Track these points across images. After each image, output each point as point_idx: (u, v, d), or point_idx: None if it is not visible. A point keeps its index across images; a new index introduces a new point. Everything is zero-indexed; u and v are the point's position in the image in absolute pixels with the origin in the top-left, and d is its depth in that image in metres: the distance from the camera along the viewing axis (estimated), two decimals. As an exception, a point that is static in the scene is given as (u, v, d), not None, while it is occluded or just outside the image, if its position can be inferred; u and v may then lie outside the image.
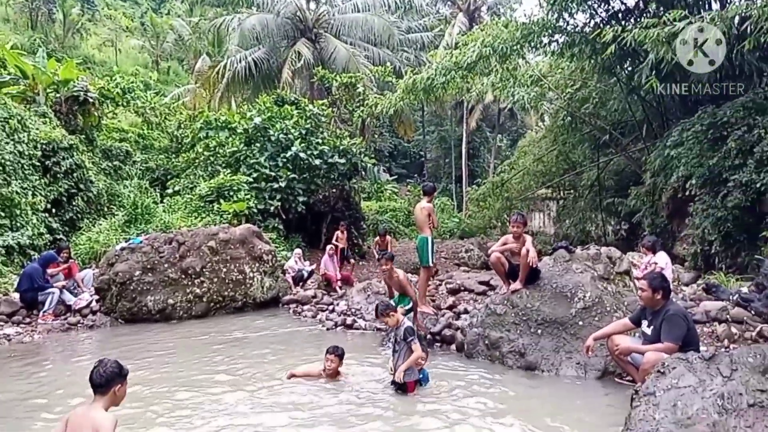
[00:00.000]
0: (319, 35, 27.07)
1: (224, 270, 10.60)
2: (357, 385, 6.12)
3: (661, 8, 12.71)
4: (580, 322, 6.62)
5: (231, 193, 15.15)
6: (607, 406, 5.53)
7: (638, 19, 13.73)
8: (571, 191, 23.49)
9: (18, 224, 12.24)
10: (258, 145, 16.74)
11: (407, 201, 27.44)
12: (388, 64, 24.12)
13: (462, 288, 10.08)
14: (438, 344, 7.97)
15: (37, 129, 14.14)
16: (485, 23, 18.00)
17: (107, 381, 3.59)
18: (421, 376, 6.05)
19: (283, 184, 15.98)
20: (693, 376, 4.14)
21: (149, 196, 15.99)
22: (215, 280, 10.46)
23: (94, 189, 15.04)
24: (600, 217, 20.35)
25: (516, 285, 7.12)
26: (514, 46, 14.70)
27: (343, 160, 17.33)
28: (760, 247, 10.46)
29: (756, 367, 4.05)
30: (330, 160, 17.12)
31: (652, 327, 5.35)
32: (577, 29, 14.90)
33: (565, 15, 14.54)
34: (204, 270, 10.38)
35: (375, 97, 20.29)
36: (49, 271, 9.96)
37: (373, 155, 22.91)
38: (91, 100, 16.55)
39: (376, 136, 29.97)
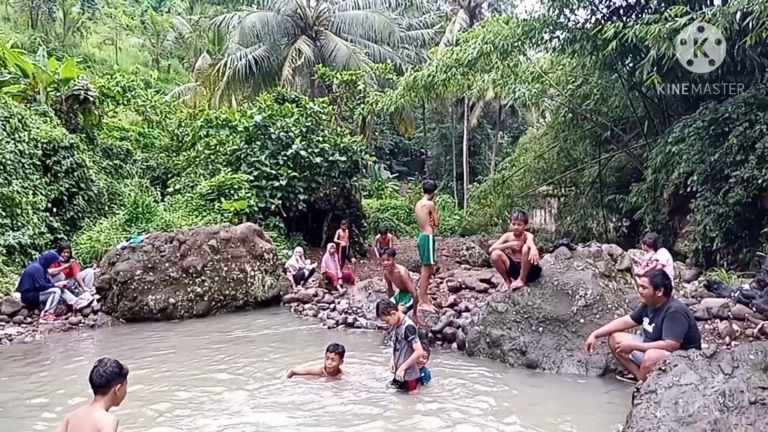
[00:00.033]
0: (319, 33, 27.03)
1: (225, 269, 10.59)
2: (358, 384, 6.12)
3: (663, 4, 12.69)
4: (582, 320, 6.61)
5: (232, 192, 15.14)
6: (608, 403, 5.52)
7: (639, 15, 13.71)
8: (573, 188, 23.49)
9: (19, 224, 12.25)
10: (259, 143, 16.73)
11: (408, 199, 27.44)
12: (389, 61, 24.11)
13: (463, 286, 10.06)
14: (439, 342, 7.96)
15: (38, 128, 14.15)
16: (486, 20, 18.00)
17: (107, 381, 3.57)
18: (422, 374, 6.04)
19: (283, 183, 15.97)
20: (694, 373, 4.13)
21: (150, 194, 16.01)
22: (216, 279, 10.46)
23: (95, 188, 15.05)
24: (601, 214, 20.35)
25: (517, 283, 7.11)
26: (515, 42, 14.69)
27: (343, 158, 17.31)
28: (762, 243, 10.45)
29: (757, 364, 4.04)
30: (331, 158, 17.10)
31: (653, 324, 5.33)
32: (578, 25, 14.87)
33: (566, 11, 14.52)
34: (205, 269, 10.38)
35: (376, 95, 20.28)
36: (51, 270, 9.95)
37: (373, 153, 22.92)
38: (91, 99, 16.56)
39: (377, 133, 29.99)
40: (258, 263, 11.03)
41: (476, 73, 17.52)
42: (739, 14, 10.60)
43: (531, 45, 15.59)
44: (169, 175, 18.63)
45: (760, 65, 12.75)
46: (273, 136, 16.73)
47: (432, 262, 8.84)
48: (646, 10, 13.79)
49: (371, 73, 23.60)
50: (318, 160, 16.79)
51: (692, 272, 10.58)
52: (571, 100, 18.95)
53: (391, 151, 41.15)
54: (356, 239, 17.52)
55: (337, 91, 22.58)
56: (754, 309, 7.39)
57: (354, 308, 10.05)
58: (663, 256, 8.91)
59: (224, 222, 13.30)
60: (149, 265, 10.05)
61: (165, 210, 15.04)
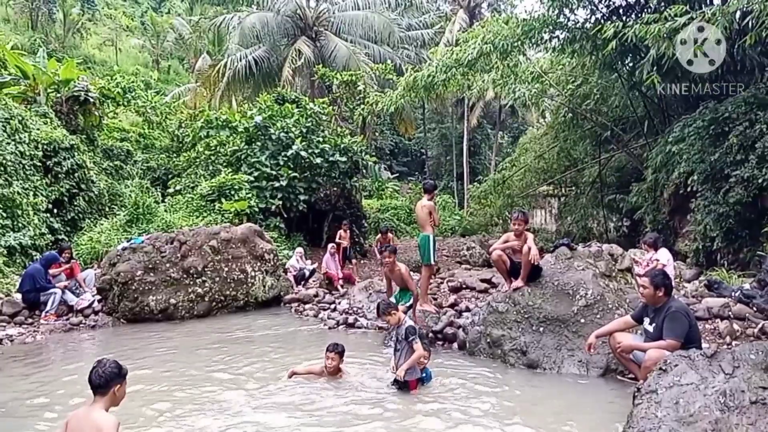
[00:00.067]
0: (319, 33, 27.04)
1: (226, 269, 10.60)
2: (359, 385, 6.12)
3: (662, 4, 12.69)
4: (582, 320, 6.61)
5: (232, 192, 15.16)
6: (609, 403, 5.52)
7: (639, 15, 13.71)
8: (573, 188, 23.49)
9: (20, 225, 12.26)
10: (259, 143, 16.75)
11: (408, 199, 27.44)
12: (389, 61, 24.12)
13: (464, 286, 10.07)
14: (440, 342, 7.97)
15: (38, 129, 14.16)
16: (486, 20, 18.00)
17: (106, 381, 3.56)
18: (423, 375, 6.05)
19: (284, 183, 15.98)
20: (695, 373, 4.14)
21: (150, 195, 16.01)
22: (217, 279, 10.46)
23: (96, 189, 15.06)
24: (602, 214, 20.35)
25: (518, 283, 7.11)
26: (515, 42, 14.69)
27: (344, 159, 17.32)
28: (762, 242, 10.45)
29: (758, 364, 4.05)
30: (331, 159, 17.11)
31: (654, 324, 5.33)
32: (577, 25, 14.88)
33: (566, 11, 14.53)
34: (206, 269, 10.38)
35: (376, 95, 20.29)
36: (51, 271, 9.95)
37: (374, 153, 22.93)
38: (91, 100, 16.57)
39: (377, 134, 29.98)
40: (258, 264, 11.03)
41: (476, 73, 17.53)
42: (738, 13, 10.61)
43: (531, 45, 15.60)
44: (170, 176, 18.64)
45: (760, 64, 12.75)
46: (273, 137, 16.74)
47: (433, 263, 8.85)
48: (645, 10, 13.78)
49: (371, 73, 23.61)
50: (318, 160, 16.80)
51: (693, 272, 10.58)
52: (571, 100, 18.95)
53: (392, 151, 41.16)
54: (357, 239, 17.53)
55: (337, 91, 22.59)
56: (755, 309, 7.39)
57: (354, 308, 10.06)
58: (663, 255, 8.91)
59: (225, 223, 13.30)
60: (150, 266, 10.05)
61: (165, 211, 15.05)
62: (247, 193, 15.16)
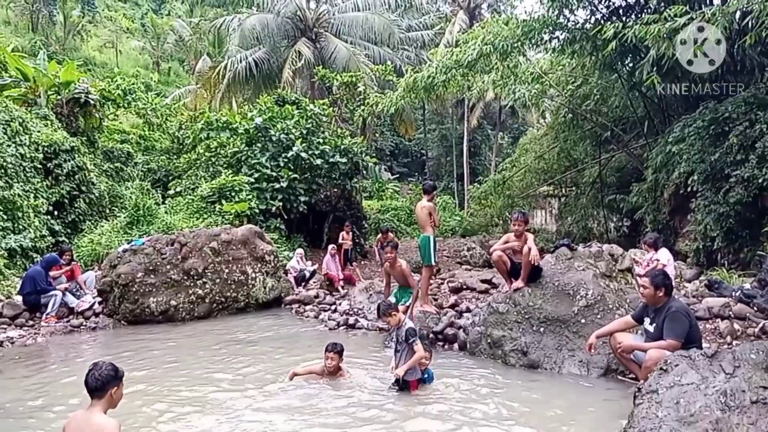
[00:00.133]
0: (319, 35, 27.07)
1: (226, 271, 10.60)
2: (359, 386, 6.11)
3: (662, 4, 12.69)
4: (583, 320, 6.61)
5: (232, 194, 15.16)
6: (609, 403, 5.52)
7: (639, 15, 13.72)
8: (573, 188, 23.48)
9: (20, 227, 12.27)
10: (259, 145, 16.76)
11: (409, 200, 27.46)
12: (389, 62, 24.14)
13: (464, 286, 10.07)
14: (440, 343, 7.97)
15: (39, 131, 14.16)
16: (486, 21, 17.99)
17: (103, 384, 3.53)
18: (425, 375, 6.05)
19: (284, 184, 15.98)
20: (696, 373, 4.13)
21: (151, 197, 16.02)
22: (217, 281, 10.47)
23: (96, 191, 15.07)
24: (602, 214, 20.34)
25: (518, 283, 7.11)
26: (515, 43, 14.70)
27: (344, 160, 17.33)
28: (763, 242, 10.45)
29: (759, 363, 4.04)
30: (331, 160, 17.12)
31: (654, 324, 5.34)
32: (577, 26, 14.88)
33: (566, 12, 14.54)
34: (206, 271, 10.38)
35: (376, 96, 20.29)
36: (52, 273, 9.95)
37: (374, 154, 22.95)
38: (92, 102, 16.58)
39: (377, 135, 29.99)
40: (259, 265, 11.04)
41: (476, 74, 17.53)
42: (738, 13, 10.61)
43: (531, 46, 15.60)
44: (170, 178, 18.66)
45: (760, 64, 12.75)
46: (273, 138, 16.75)
47: (433, 263, 8.85)
48: (645, 10, 13.79)
49: (371, 74, 23.64)
50: (318, 161, 16.80)
51: (693, 272, 10.58)
52: (571, 101, 18.96)
53: (392, 152, 41.17)
54: (357, 240, 17.54)
55: (338, 92, 22.60)
56: (755, 308, 7.39)
57: (355, 309, 10.06)
58: (664, 255, 8.91)
59: (225, 224, 13.31)
60: (150, 268, 10.06)
61: (166, 212, 15.06)
62: (247, 195, 15.16)
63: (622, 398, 5.40)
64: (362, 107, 20.86)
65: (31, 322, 9.49)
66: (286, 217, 16.11)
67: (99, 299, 10.16)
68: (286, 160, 16.45)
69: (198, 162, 17.48)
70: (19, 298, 9.87)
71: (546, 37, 15.07)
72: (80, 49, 39.70)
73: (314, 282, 12.95)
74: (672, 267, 8.82)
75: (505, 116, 39.11)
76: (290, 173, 16.19)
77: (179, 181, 17.52)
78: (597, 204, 20.38)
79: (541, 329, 6.78)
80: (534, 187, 23.42)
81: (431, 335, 7.94)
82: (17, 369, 7.28)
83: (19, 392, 6.24)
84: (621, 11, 15.07)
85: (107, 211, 15.48)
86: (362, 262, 16.85)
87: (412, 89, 17.19)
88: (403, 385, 5.85)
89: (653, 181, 13.96)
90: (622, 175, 19.45)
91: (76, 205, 14.38)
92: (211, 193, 15.23)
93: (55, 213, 13.76)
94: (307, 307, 10.80)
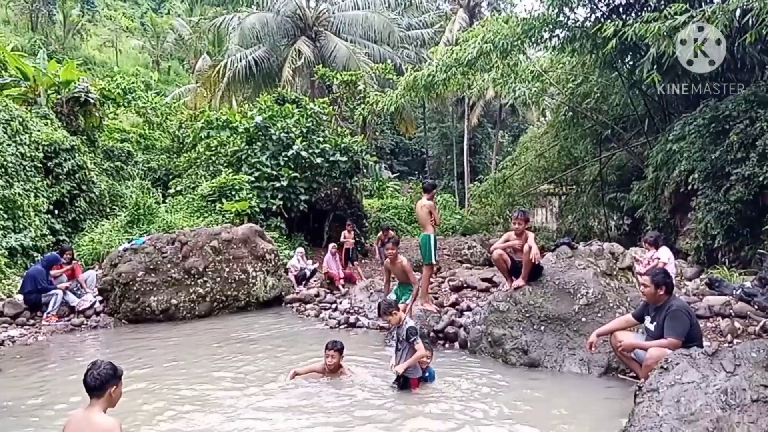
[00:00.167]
0: (319, 33, 27.05)
1: (227, 270, 10.61)
2: (360, 385, 6.12)
3: (662, 2, 12.68)
4: (583, 319, 6.61)
5: (233, 193, 15.17)
6: (610, 402, 5.52)
7: (639, 13, 13.69)
8: (574, 187, 23.47)
9: (21, 226, 12.27)
10: (259, 144, 16.76)
11: (409, 198, 27.47)
12: (389, 61, 24.14)
13: (465, 285, 10.07)
14: (441, 342, 7.97)
15: (39, 130, 14.17)
16: (486, 19, 18.00)
17: (101, 383, 3.51)
18: (427, 374, 6.06)
19: (284, 183, 15.99)
20: (696, 371, 4.13)
21: (151, 196, 16.03)
22: (218, 279, 10.47)
23: (97, 190, 15.08)
24: (602, 213, 20.33)
25: (519, 282, 7.11)
26: (515, 41, 14.68)
27: (344, 158, 17.33)
28: (763, 240, 10.44)
29: (759, 362, 4.04)
30: (331, 159, 17.12)
31: (655, 323, 5.33)
32: (577, 24, 14.86)
33: (566, 10, 14.51)
34: (207, 270, 10.39)
35: (376, 95, 20.30)
36: (53, 272, 9.97)
37: (374, 153, 22.97)
38: (92, 101, 16.59)
39: (378, 133, 30.01)
40: (260, 264, 11.04)
41: (476, 73, 17.51)
42: (738, 11, 10.59)
43: (531, 44, 15.58)
44: (171, 177, 18.67)
45: (760, 62, 12.74)
46: (274, 137, 16.75)
47: (433, 262, 8.85)
48: (645, 8, 13.77)
49: (371, 73, 23.63)
50: (319, 160, 16.81)
51: (694, 270, 10.58)
52: (571, 99, 18.94)
53: (392, 150, 41.17)
54: (357, 239, 17.54)
55: (338, 91, 22.60)
56: (756, 307, 7.38)
57: (356, 308, 10.06)
58: (664, 254, 8.92)
59: (226, 223, 13.32)
60: (151, 267, 10.06)
61: (166, 211, 15.07)
62: (247, 194, 15.17)
63: (622, 397, 5.40)
64: (362, 106, 20.86)
65: (32, 321, 9.50)
66: (286, 215, 16.12)
67: (100, 298, 10.17)
68: (286, 158, 16.46)
69: (198, 161, 17.48)
70: (20, 297, 9.88)
71: (546, 35, 15.06)
72: (80, 48, 39.70)
73: (315, 281, 12.96)
74: (672, 265, 8.82)
75: (506, 114, 39.09)
76: (290, 172, 16.20)
77: (179, 180, 17.53)
78: (597, 202, 20.38)
79: (542, 328, 6.78)
80: (534, 185, 23.41)
81: (432, 334, 7.94)
82: (18, 367, 7.28)
83: (19, 390, 6.25)
84: (621, 9, 15.05)
85: (108, 210, 15.50)
86: (363, 261, 16.85)
87: (412, 88, 17.18)
88: (404, 384, 5.86)
89: (654, 180, 13.96)
90: (623, 174, 19.44)
91: (76, 204, 14.40)
92: (211, 192, 15.24)
93: (56, 212, 13.77)
94: (308, 306, 10.80)
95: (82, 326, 9.57)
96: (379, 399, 5.72)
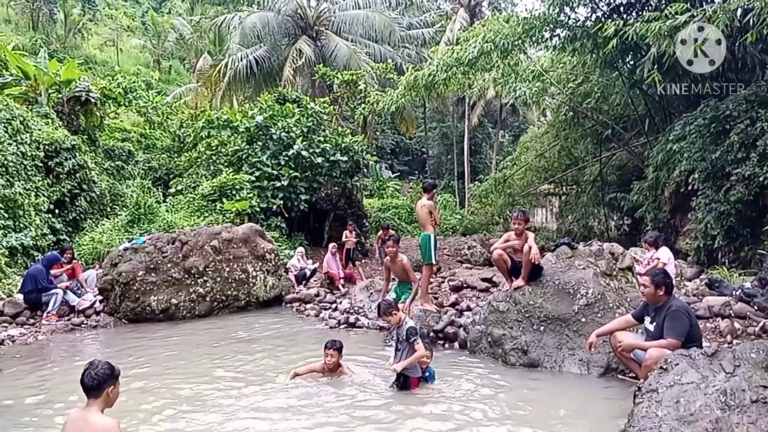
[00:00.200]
0: (320, 33, 27.05)
1: (227, 269, 10.61)
2: (360, 385, 6.12)
3: (663, 1, 12.67)
4: (583, 319, 6.61)
5: (233, 192, 15.18)
6: (609, 402, 5.52)
7: (640, 13, 13.69)
8: (574, 187, 23.47)
9: (21, 225, 12.28)
10: (260, 143, 16.76)
11: (409, 198, 27.47)
12: (390, 60, 24.13)
13: (465, 285, 10.08)
14: (441, 342, 7.97)
15: (40, 130, 14.18)
16: (486, 19, 17.99)
17: (99, 383, 3.49)
18: (427, 374, 6.06)
19: (285, 183, 15.99)
20: (696, 372, 4.13)
21: (152, 195, 16.03)
22: (218, 279, 10.48)
23: (97, 189, 15.08)
24: (602, 213, 20.33)
25: (518, 282, 7.11)
26: (516, 41, 14.68)
27: (345, 158, 17.33)
28: (764, 241, 10.43)
29: (759, 362, 4.04)
30: (332, 158, 17.12)
31: (654, 323, 5.33)
32: (578, 23, 14.86)
33: (567, 9, 14.51)
34: (207, 269, 10.39)
35: (376, 94, 20.31)
36: (53, 272, 9.97)
37: (375, 152, 22.97)
38: (93, 101, 16.59)
39: (378, 133, 30.01)
40: (260, 263, 11.04)
41: (477, 72, 17.52)
42: (739, 11, 10.57)
43: (531, 43, 15.58)
44: (171, 176, 18.67)
45: (761, 62, 12.73)
46: (274, 137, 16.76)
47: (433, 262, 8.85)
48: (646, 8, 13.77)
49: (372, 72, 23.63)
50: (319, 160, 16.81)
51: (694, 270, 10.57)
52: (571, 99, 18.93)
53: (393, 150, 41.17)
54: (357, 239, 17.55)
55: (338, 91, 22.60)
56: (756, 307, 7.38)
57: (356, 308, 10.07)
58: (664, 254, 8.91)
59: (226, 222, 13.32)
60: (151, 266, 10.07)
61: (167, 211, 15.08)
62: (248, 193, 15.18)
63: (622, 397, 5.40)
64: (363, 105, 20.86)
65: (32, 321, 9.50)
66: (286, 215, 16.12)
67: (100, 297, 10.18)
68: (286, 158, 16.46)
69: (199, 160, 17.49)
70: (20, 297, 9.88)
71: (547, 34, 15.06)
72: (81, 47, 39.70)
73: (315, 280, 12.96)
74: (672, 265, 8.81)
75: (506, 114, 39.09)
76: (291, 171, 16.20)
77: (180, 179, 17.54)
78: (598, 202, 20.38)
79: (542, 328, 6.78)
80: (535, 185, 23.41)
81: (432, 334, 7.94)
82: (18, 367, 7.29)
83: (19, 390, 6.25)
84: (622, 9, 15.05)
85: (108, 209, 15.50)
86: (363, 261, 16.85)
87: (413, 87, 17.19)
88: (403, 383, 5.86)
89: (654, 180, 13.95)
90: (623, 174, 19.44)
91: (77, 204, 14.40)
92: (212, 192, 15.25)
93: (56, 211, 13.77)
94: (308, 306, 10.81)
95: (82, 326, 9.57)
96: (378, 399, 5.72)
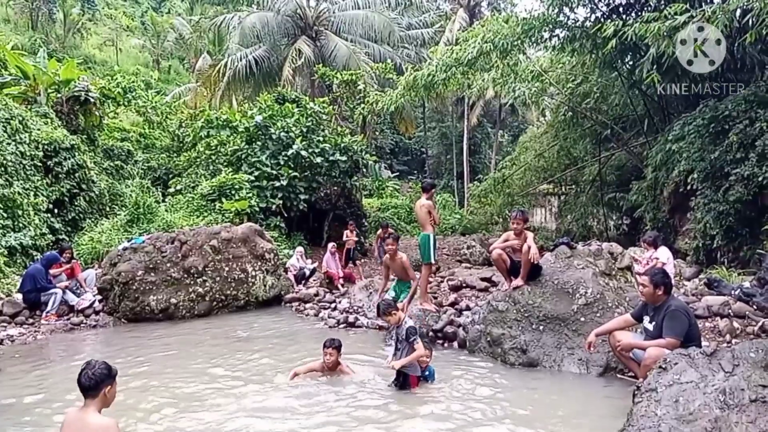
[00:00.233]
0: (319, 33, 27.05)
1: (226, 269, 10.61)
2: (360, 385, 6.11)
3: (662, 2, 12.68)
4: (582, 319, 6.62)
5: (233, 192, 15.17)
6: (609, 401, 5.53)
7: (639, 14, 13.70)
8: (573, 186, 23.49)
9: (20, 225, 12.27)
10: (259, 143, 16.76)
11: (409, 198, 27.47)
12: (389, 60, 24.13)
13: (464, 285, 10.08)
14: (440, 341, 7.98)
15: (39, 129, 14.17)
16: (486, 19, 17.99)
17: (96, 383, 3.47)
18: (426, 373, 6.07)
19: (284, 183, 15.99)
20: (695, 371, 4.14)
21: (151, 195, 16.03)
22: (217, 279, 10.48)
23: (96, 189, 15.08)
24: (601, 212, 20.35)
25: (517, 281, 7.12)
26: (515, 41, 14.69)
27: (344, 158, 17.33)
28: (762, 240, 10.44)
29: (758, 362, 4.05)
30: (331, 158, 17.12)
31: (653, 323, 5.34)
32: (577, 24, 14.87)
33: (566, 9, 14.52)
34: (206, 269, 10.40)
35: (376, 94, 20.31)
36: (52, 271, 9.97)
37: (374, 152, 22.96)
38: (92, 100, 16.59)
39: (377, 133, 30.01)
40: (259, 263, 11.05)
41: (476, 72, 17.53)
42: (738, 11, 10.59)
43: (531, 44, 15.59)
44: (170, 176, 18.67)
45: (760, 62, 12.75)
46: (273, 137, 16.75)
47: (433, 261, 8.86)
48: (645, 8, 13.78)
49: (371, 72, 23.63)
50: (318, 159, 16.81)
51: (693, 270, 10.58)
52: (571, 99, 18.95)
53: (392, 150, 41.17)
54: (357, 239, 17.55)
55: (338, 90, 22.60)
56: (755, 307, 7.39)
57: (355, 307, 10.07)
58: (663, 254, 8.92)
59: (225, 222, 13.32)
60: (151, 266, 10.07)
61: (166, 210, 15.07)
62: (247, 193, 15.17)
63: (621, 396, 5.41)
64: (362, 105, 20.86)
65: (31, 320, 9.50)
66: (286, 215, 16.12)
67: (99, 297, 10.18)
68: (286, 158, 16.46)
69: (198, 160, 17.48)
70: (19, 296, 9.88)
71: (546, 35, 15.07)
72: (80, 47, 39.67)
73: (314, 280, 12.96)
74: (671, 265, 8.83)
75: (505, 114, 39.10)
76: (290, 171, 16.20)
77: (179, 179, 17.53)
78: (597, 202, 20.39)
79: (541, 327, 6.78)
80: (534, 185, 23.43)
81: (431, 333, 7.95)
82: (17, 366, 7.29)
83: (18, 389, 6.25)
84: (621, 9, 15.05)
85: (107, 209, 15.50)
86: (362, 261, 16.85)
87: (412, 87, 17.19)
88: (403, 383, 5.86)
89: (653, 180, 13.96)
90: (622, 174, 19.46)
91: (76, 203, 14.40)
92: (211, 191, 15.24)
93: (56, 211, 13.77)
94: (307, 305, 10.81)
95: (82, 325, 9.57)
96: (378, 399, 5.72)
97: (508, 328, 6.97)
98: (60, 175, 14.05)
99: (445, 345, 7.93)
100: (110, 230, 13.57)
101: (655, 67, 11.82)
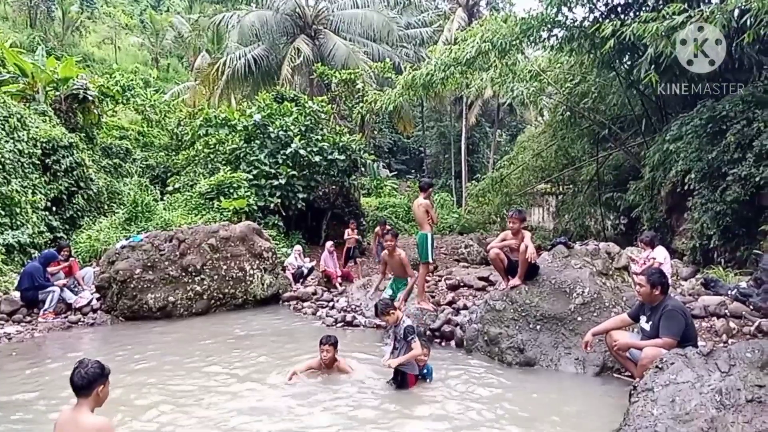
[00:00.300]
0: (318, 32, 27.03)
1: (224, 267, 10.62)
2: (357, 384, 6.12)
3: (660, 2, 12.69)
4: (579, 318, 6.64)
5: (231, 191, 15.16)
6: (605, 401, 5.54)
7: (637, 13, 13.70)
8: (571, 186, 23.51)
9: (18, 223, 12.26)
10: (258, 142, 16.75)
11: (407, 197, 27.47)
12: (388, 60, 24.11)
13: (461, 284, 10.08)
14: (438, 340, 7.99)
15: (37, 127, 14.15)
16: (484, 18, 17.99)
17: (89, 383, 3.44)
18: (425, 371, 6.08)
19: (282, 181, 15.99)
20: (691, 371, 4.16)
21: (149, 193, 16.02)
22: (215, 277, 10.48)
23: (95, 187, 15.06)
24: (599, 212, 20.36)
25: (515, 281, 7.14)
26: (513, 41, 14.68)
27: (342, 157, 17.33)
28: (759, 241, 10.46)
29: (754, 362, 4.07)
30: (330, 157, 17.12)
31: (650, 322, 5.36)
32: (576, 24, 14.86)
33: (564, 9, 14.50)
34: (204, 267, 10.40)
35: (374, 94, 20.28)
36: (50, 269, 9.97)
37: (372, 151, 22.92)
38: (90, 98, 16.56)
39: (376, 132, 30.01)
40: (257, 262, 11.05)
41: (474, 72, 17.51)
42: (737, 11, 10.59)
43: (529, 43, 15.57)
44: (169, 174, 18.66)
45: (758, 63, 12.75)
46: (272, 135, 16.74)
47: (430, 261, 8.86)
48: (644, 8, 13.77)
49: (370, 71, 23.63)
50: (317, 158, 16.81)
51: (689, 270, 10.60)
52: (569, 99, 18.95)
53: (390, 149, 41.17)
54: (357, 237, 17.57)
55: (336, 89, 22.59)
56: (751, 307, 7.41)
57: (353, 306, 10.07)
58: (660, 254, 8.94)
59: (223, 221, 13.31)
60: (149, 264, 10.07)
61: (164, 209, 15.06)
62: (245, 192, 15.17)
63: (617, 396, 5.42)
64: (361, 104, 20.85)
65: (28, 318, 9.50)
66: (284, 213, 16.12)
67: (97, 295, 10.17)
68: (284, 157, 16.45)
69: (196, 158, 17.47)
70: (16, 294, 9.86)
71: (544, 34, 15.05)
72: (79, 45, 39.62)
73: (312, 279, 12.96)
74: (668, 265, 8.85)
75: (504, 114, 39.09)
76: (289, 170, 16.20)
77: (178, 177, 17.52)
78: (594, 202, 20.41)
79: (538, 327, 6.80)
80: (532, 184, 23.44)
81: (428, 332, 7.96)
82: (13, 364, 7.29)
83: (15, 387, 6.26)
84: (619, 9, 15.04)
85: (105, 207, 15.49)
86: (360, 259, 16.84)
87: (411, 86, 17.18)
88: (401, 381, 5.88)
89: (650, 179, 13.98)
90: (620, 173, 19.47)
91: (74, 201, 14.38)
92: (209, 190, 15.23)
93: (54, 209, 13.76)
94: (305, 304, 10.81)
95: (79, 323, 9.57)
96: (376, 398, 5.73)
97: (506, 328, 6.99)
98: (58, 173, 14.03)
99: (443, 344, 7.94)
100: (108, 228, 13.56)
101: (653, 67, 11.82)
